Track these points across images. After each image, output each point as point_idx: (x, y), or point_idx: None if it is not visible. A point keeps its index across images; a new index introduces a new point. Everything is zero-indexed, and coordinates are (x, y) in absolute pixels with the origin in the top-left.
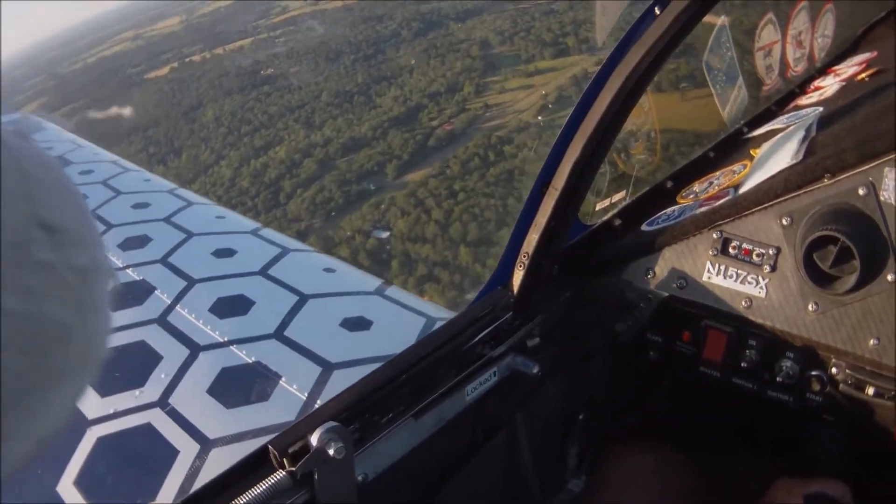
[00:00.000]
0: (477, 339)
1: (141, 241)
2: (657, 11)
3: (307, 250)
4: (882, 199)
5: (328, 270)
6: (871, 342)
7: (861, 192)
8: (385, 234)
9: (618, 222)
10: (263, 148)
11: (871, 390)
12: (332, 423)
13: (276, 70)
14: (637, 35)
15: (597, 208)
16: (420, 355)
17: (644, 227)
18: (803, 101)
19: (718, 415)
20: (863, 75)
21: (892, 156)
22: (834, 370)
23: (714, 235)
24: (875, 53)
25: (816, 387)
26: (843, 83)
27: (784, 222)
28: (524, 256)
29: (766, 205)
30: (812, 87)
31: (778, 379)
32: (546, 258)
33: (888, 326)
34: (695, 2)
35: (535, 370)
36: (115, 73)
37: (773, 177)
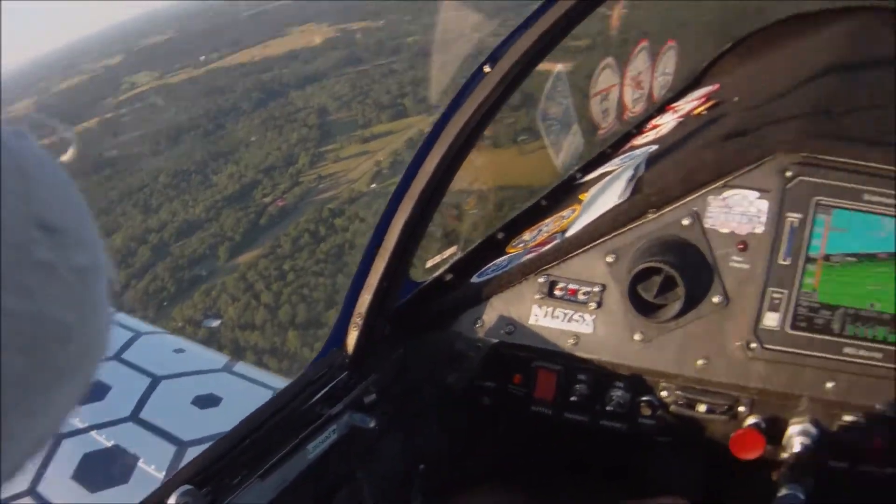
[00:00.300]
0: (315, 398)
1: None
2: (486, 69)
3: (159, 332)
4: (706, 226)
5: (178, 351)
6: (700, 362)
7: (685, 222)
8: (216, 323)
9: (449, 277)
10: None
11: (702, 408)
12: (186, 487)
13: (119, 151)
14: (467, 93)
15: (427, 265)
16: (262, 419)
17: (474, 279)
18: (639, 140)
19: (556, 451)
20: (700, 109)
21: (717, 184)
22: (664, 393)
23: (540, 280)
24: (717, 86)
25: (647, 411)
26: (681, 119)
27: (609, 260)
28: (358, 317)
29: (590, 245)
30: (650, 126)
31: (609, 408)
32: (378, 318)
33: (715, 345)
34: (522, 59)
35: (372, 424)
36: None
37: (598, 218)
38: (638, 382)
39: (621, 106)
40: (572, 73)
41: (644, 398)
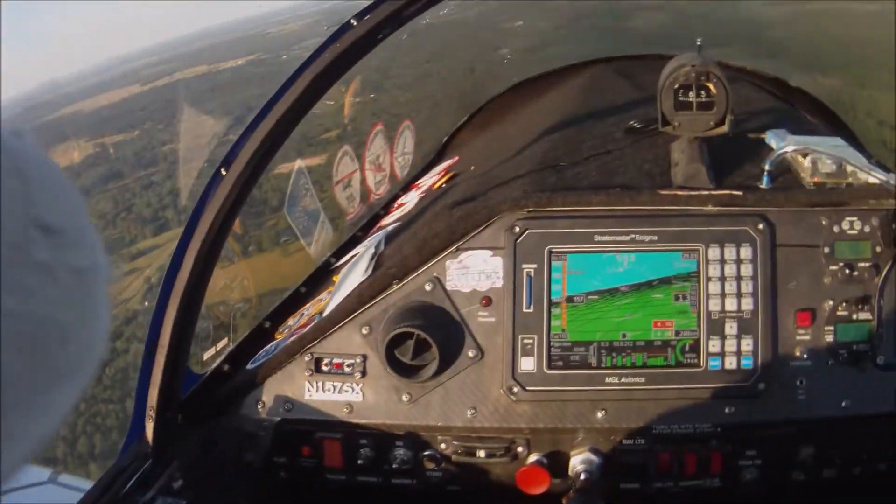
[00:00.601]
0: (127, 487)
1: None
2: (223, 172)
3: None
4: (448, 288)
5: None
6: (469, 413)
7: (427, 287)
8: None
9: (226, 367)
10: None
11: (482, 453)
12: None
13: None
14: (210, 195)
15: (205, 358)
16: None
17: (249, 366)
18: (386, 220)
19: None
20: (439, 182)
21: (451, 249)
22: (443, 446)
23: (306, 358)
24: (456, 158)
25: (431, 465)
26: (423, 194)
27: (364, 332)
28: (150, 410)
29: (345, 321)
30: (396, 205)
31: (394, 466)
32: (167, 410)
33: (480, 395)
34: (253, 159)
35: None
36: None
37: (348, 295)
38: (416, 439)
39: (365, 190)
40: (326, 165)
41: (426, 453)
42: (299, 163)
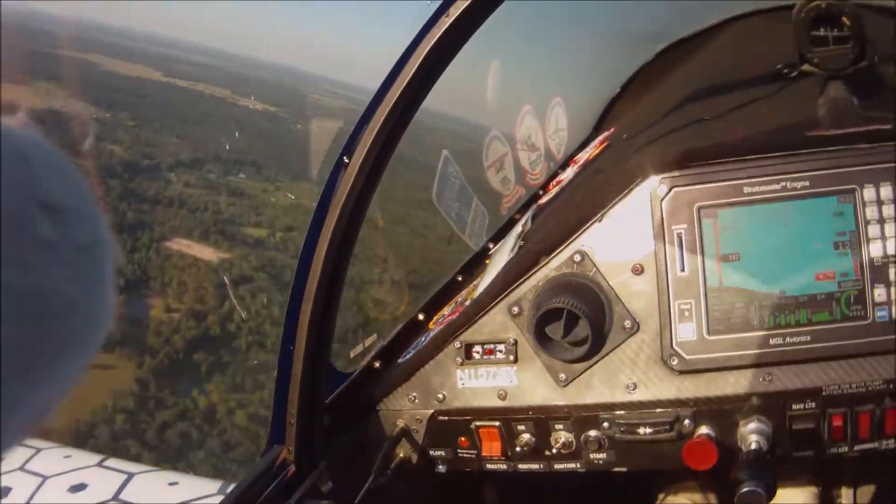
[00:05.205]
0: (267, 492)
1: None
2: (346, 160)
3: (152, 470)
4: (597, 259)
5: (172, 484)
6: (630, 388)
7: (576, 259)
8: None
9: (377, 364)
10: None
11: (647, 430)
12: None
13: None
14: (335, 186)
15: (352, 355)
16: None
17: (400, 360)
18: (545, 199)
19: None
20: (594, 154)
21: (595, 218)
22: (605, 425)
23: (456, 346)
24: (612, 129)
25: (594, 446)
26: (579, 169)
27: (514, 312)
28: (291, 416)
29: (493, 304)
30: (554, 182)
31: (556, 451)
32: (312, 412)
33: (639, 368)
34: (374, 148)
35: None
36: None
37: (494, 277)
38: (576, 421)
39: (521, 171)
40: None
41: (590, 434)
42: (445, 151)
